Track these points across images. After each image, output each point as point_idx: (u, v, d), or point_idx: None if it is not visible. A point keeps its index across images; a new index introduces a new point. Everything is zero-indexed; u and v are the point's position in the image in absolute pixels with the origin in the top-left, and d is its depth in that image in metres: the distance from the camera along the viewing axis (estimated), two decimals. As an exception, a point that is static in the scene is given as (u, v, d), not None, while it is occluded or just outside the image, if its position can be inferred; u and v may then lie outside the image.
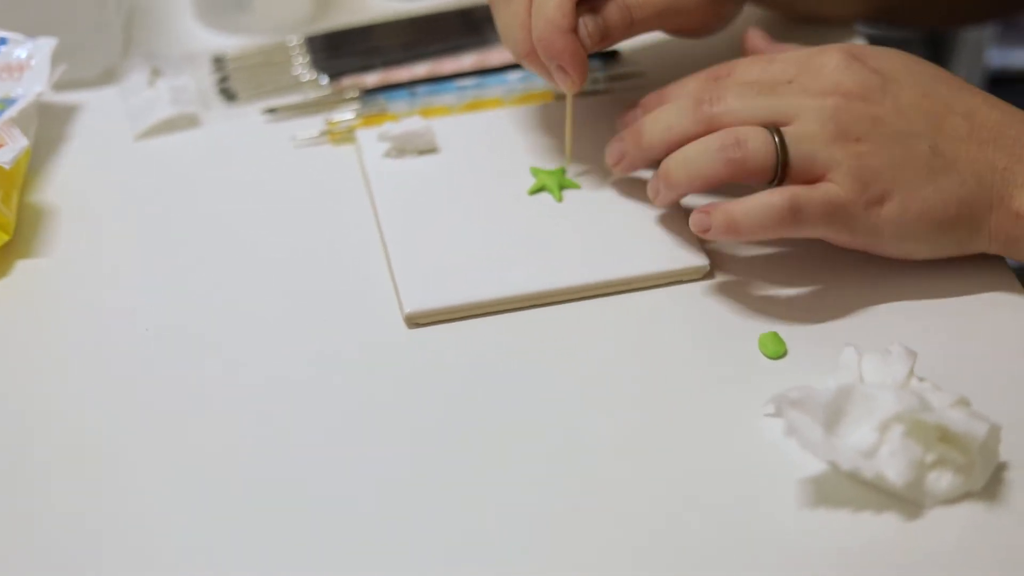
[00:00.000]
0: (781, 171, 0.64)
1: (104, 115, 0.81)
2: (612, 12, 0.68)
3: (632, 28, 0.69)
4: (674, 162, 0.66)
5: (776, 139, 0.64)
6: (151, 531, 0.57)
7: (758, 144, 0.64)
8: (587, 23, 0.67)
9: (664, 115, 0.68)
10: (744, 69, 0.69)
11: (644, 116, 0.70)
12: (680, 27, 0.72)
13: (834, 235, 0.65)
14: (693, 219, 0.65)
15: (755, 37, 0.75)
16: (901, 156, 0.64)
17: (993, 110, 0.66)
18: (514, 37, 0.69)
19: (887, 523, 0.56)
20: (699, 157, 0.65)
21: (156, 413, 0.62)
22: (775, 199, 0.63)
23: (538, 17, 0.67)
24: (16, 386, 0.64)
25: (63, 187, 0.75)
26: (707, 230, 0.64)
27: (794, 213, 0.63)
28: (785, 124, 0.65)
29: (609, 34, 0.68)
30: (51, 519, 0.58)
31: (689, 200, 0.70)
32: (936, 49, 1.48)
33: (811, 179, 0.64)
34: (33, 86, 0.76)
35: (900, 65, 0.67)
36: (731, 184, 0.66)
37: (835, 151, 0.64)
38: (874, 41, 0.84)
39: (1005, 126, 0.65)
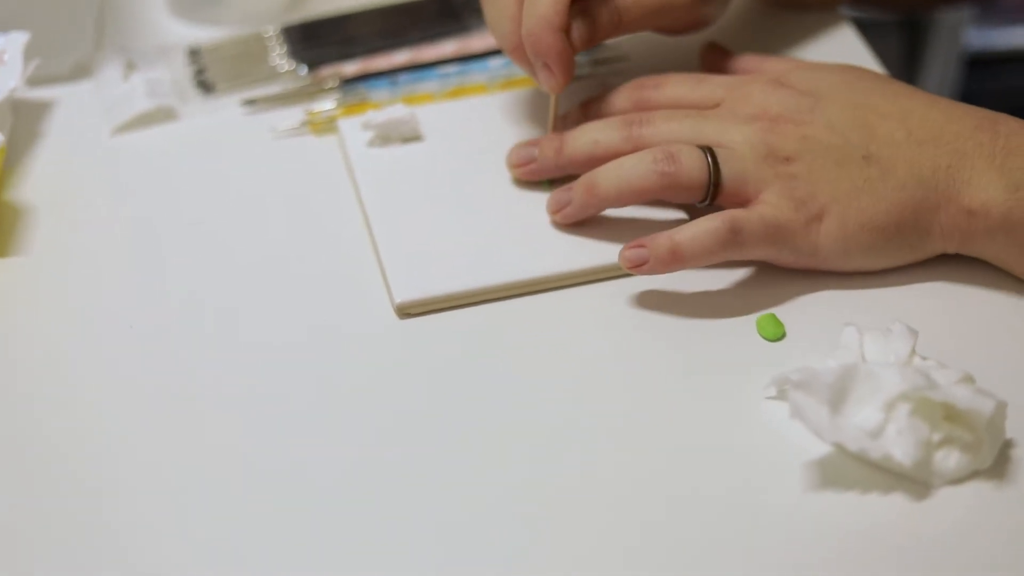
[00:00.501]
0: (713, 189, 0.64)
1: (78, 110, 0.79)
2: (602, 14, 0.67)
3: (620, 29, 0.68)
4: (604, 173, 0.65)
5: (709, 158, 0.64)
6: (140, 529, 0.56)
7: (692, 160, 0.64)
8: (578, 24, 0.66)
9: (590, 130, 0.68)
10: (672, 86, 0.69)
11: (566, 130, 0.69)
12: (668, 27, 0.71)
13: (776, 255, 0.64)
14: (626, 255, 0.63)
15: (710, 52, 0.75)
16: (834, 170, 0.64)
17: (933, 110, 0.65)
18: (502, 30, 0.67)
19: (895, 504, 0.55)
20: (633, 169, 0.64)
21: (142, 412, 0.61)
22: (715, 223, 0.63)
23: (530, 12, 0.66)
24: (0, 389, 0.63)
25: (39, 184, 0.74)
26: (642, 264, 0.63)
27: (735, 235, 0.63)
28: (714, 147, 0.65)
29: (597, 35, 0.67)
30: (38, 520, 0.56)
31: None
32: (913, 32, 1.47)
33: (742, 201, 0.64)
34: (7, 81, 0.74)
35: (834, 81, 0.67)
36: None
37: (766, 172, 0.64)
38: (856, 24, 0.84)
39: (945, 123, 0.64)
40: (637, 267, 0.63)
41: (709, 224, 0.63)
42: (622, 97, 0.70)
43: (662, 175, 0.64)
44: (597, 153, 0.67)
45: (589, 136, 0.67)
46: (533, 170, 0.69)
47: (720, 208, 0.64)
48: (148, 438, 0.60)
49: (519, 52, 0.67)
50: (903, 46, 1.52)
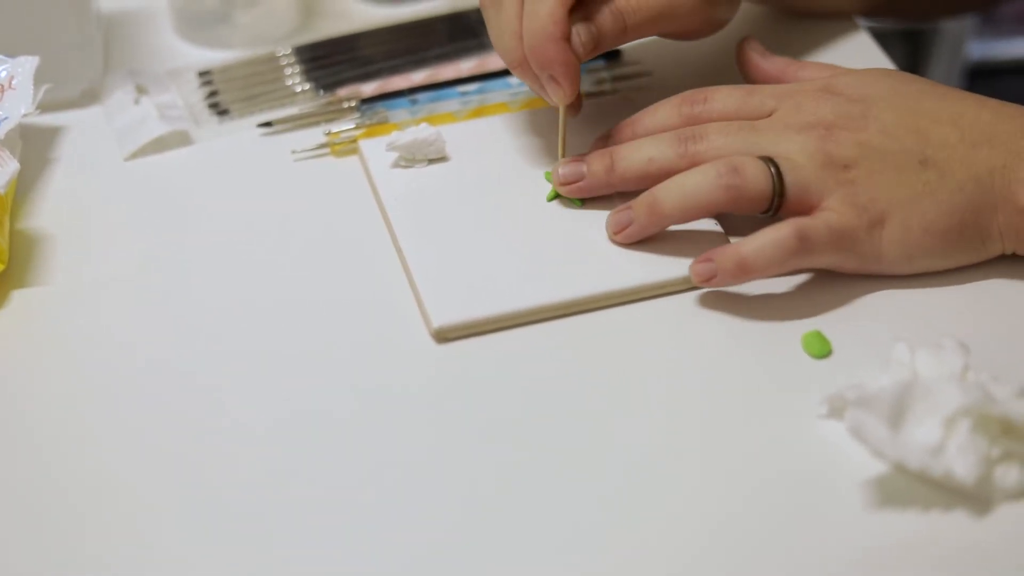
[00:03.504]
0: (778, 201, 0.63)
1: (89, 135, 0.78)
2: (605, 19, 0.66)
3: (625, 35, 0.67)
4: (665, 190, 0.65)
5: (772, 168, 0.63)
6: (166, 563, 0.55)
7: (756, 172, 0.63)
8: (580, 32, 0.65)
9: (644, 147, 0.67)
10: (721, 100, 0.68)
11: (618, 145, 0.68)
12: (675, 31, 0.71)
13: (842, 262, 0.64)
14: (695, 269, 0.63)
15: (749, 50, 0.73)
16: (893, 176, 0.63)
17: (983, 110, 0.65)
18: (505, 46, 0.66)
19: (955, 521, 0.55)
20: (697, 185, 0.64)
21: (165, 443, 0.59)
22: (782, 233, 0.62)
23: (529, 26, 0.65)
24: (23, 421, 0.61)
25: (53, 212, 0.72)
26: (711, 278, 0.63)
27: (802, 242, 0.62)
28: (772, 158, 0.64)
29: (602, 42, 0.66)
30: (52, 554, 0.55)
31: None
32: (916, 43, 1.48)
33: (806, 210, 0.64)
34: (18, 107, 0.72)
35: (883, 87, 0.67)
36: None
37: (826, 180, 0.64)
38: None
39: (997, 123, 0.64)
40: (707, 281, 0.63)
41: (776, 234, 0.62)
42: (670, 112, 0.69)
43: (727, 188, 0.63)
44: (651, 171, 0.66)
45: (643, 153, 0.66)
46: (582, 187, 0.68)
47: (781, 219, 0.63)
48: (172, 468, 0.58)
49: (524, 67, 0.66)
50: (906, 56, 1.53)
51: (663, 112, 0.69)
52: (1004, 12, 1.56)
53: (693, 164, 0.65)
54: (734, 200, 0.63)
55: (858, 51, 0.82)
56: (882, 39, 0.85)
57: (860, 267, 0.64)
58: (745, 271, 0.62)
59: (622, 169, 0.67)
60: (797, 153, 0.64)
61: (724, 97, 0.68)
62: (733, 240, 0.66)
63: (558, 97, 0.66)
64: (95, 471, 0.58)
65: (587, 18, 0.66)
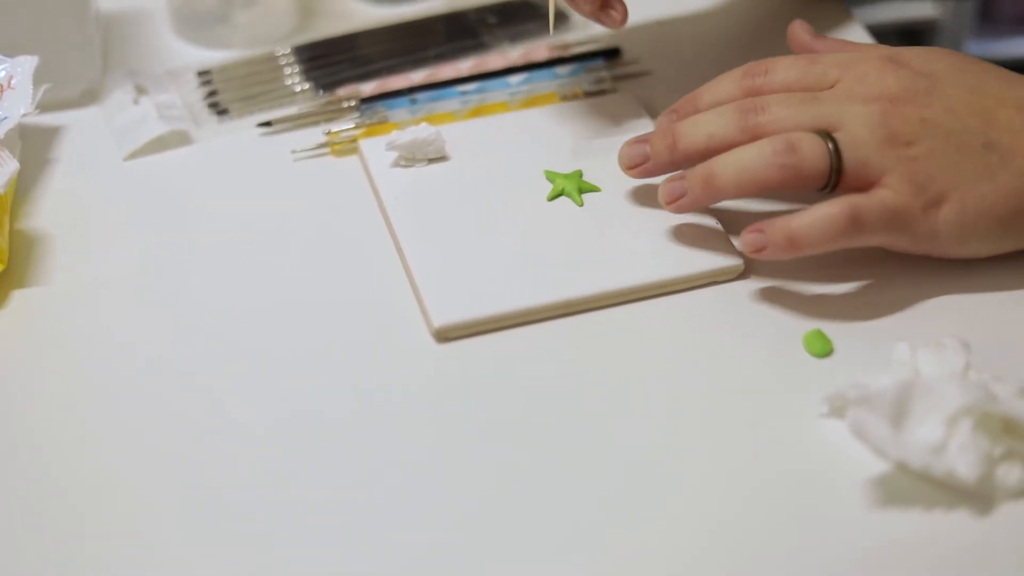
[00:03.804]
0: (835, 178, 0.63)
1: (88, 135, 0.77)
2: None
3: None
4: (722, 164, 0.63)
5: (830, 145, 0.62)
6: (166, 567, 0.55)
7: (813, 150, 0.62)
8: None
9: (704, 122, 0.66)
10: (783, 70, 0.67)
11: (679, 121, 0.67)
12: None
13: (894, 241, 0.63)
14: (747, 240, 0.62)
15: (800, 31, 0.72)
16: (955, 156, 0.63)
17: None
18: None
19: (958, 520, 0.55)
20: (753, 162, 0.63)
21: (164, 447, 0.59)
22: (834, 210, 0.61)
23: None
24: (23, 421, 0.61)
25: (53, 212, 0.72)
26: (762, 249, 0.62)
27: (854, 222, 0.61)
28: (833, 131, 0.63)
29: None
30: (52, 554, 0.55)
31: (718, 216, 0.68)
32: (914, 41, 1.47)
33: (864, 186, 0.63)
34: (17, 107, 0.72)
35: (946, 64, 0.66)
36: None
37: (887, 156, 0.62)
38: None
39: None
40: (757, 252, 0.62)
41: (828, 211, 0.61)
42: (731, 87, 0.67)
43: (783, 167, 0.62)
44: (713, 146, 0.65)
45: (704, 129, 0.65)
46: (648, 169, 0.67)
47: (839, 194, 0.63)
48: (172, 468, 0.58)
49: None
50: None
51: (724, 86, 0.68)
52: (1004, 12, 1.56)
53: (755, 137, 0.64)
54: (790, 179, 0.62)
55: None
56: (880, 37, 0.85)
57: (912, 246, 0.64)
58: (795, 246, 0.62)
59: (684, 146, 0.65)
60: (860, 125, 0.63)
61: (786, 67, 0.67)
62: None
63: None
64: (95, 471, 0.58)
65: None
